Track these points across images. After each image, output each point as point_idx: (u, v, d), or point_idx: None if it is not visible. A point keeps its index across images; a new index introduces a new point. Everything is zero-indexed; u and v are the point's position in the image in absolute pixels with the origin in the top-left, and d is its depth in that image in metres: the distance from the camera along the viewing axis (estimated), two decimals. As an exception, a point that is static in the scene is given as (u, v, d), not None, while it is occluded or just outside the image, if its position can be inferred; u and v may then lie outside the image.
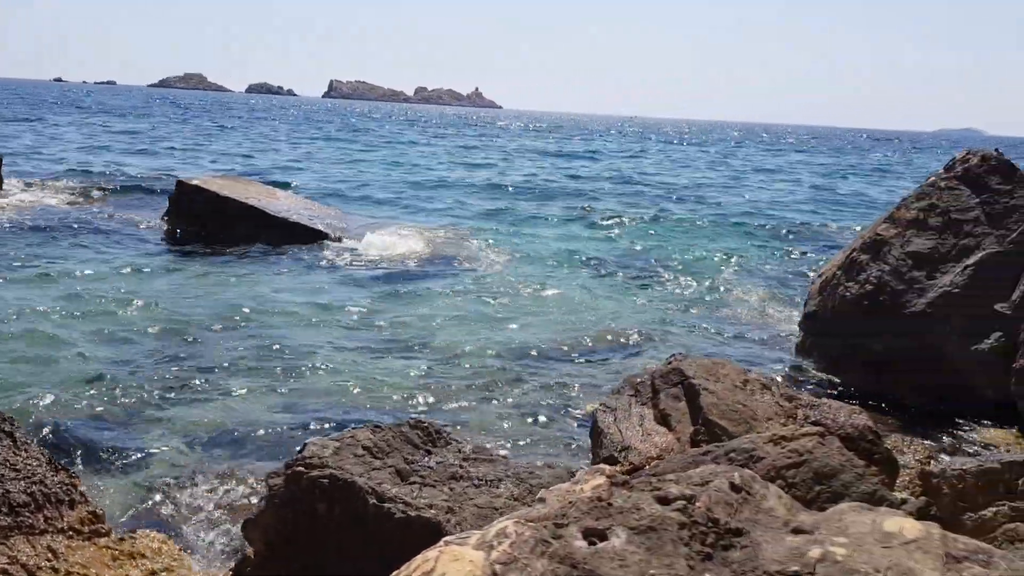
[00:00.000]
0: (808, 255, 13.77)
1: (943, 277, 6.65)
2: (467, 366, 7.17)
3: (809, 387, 6.97)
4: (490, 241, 13.49)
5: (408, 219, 15.60)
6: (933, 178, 7.46)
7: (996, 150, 7.64)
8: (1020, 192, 7.05)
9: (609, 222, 16.58)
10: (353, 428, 3.84)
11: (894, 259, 6.96)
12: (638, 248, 13.77)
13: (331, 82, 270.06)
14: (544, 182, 24.62)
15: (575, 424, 6.02)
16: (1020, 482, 3.77)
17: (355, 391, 6.40)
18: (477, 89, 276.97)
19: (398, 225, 14.18)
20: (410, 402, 6.27)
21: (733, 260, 12.88)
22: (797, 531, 2.09)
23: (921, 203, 7.21)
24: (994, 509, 3.72)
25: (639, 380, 4.94)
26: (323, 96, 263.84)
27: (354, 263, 11.27)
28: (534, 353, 7.59)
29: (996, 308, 6.33)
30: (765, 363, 7.56)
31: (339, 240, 12.46)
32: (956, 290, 6.47)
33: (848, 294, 7.08)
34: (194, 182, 13.30)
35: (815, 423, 4.19)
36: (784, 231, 16.47)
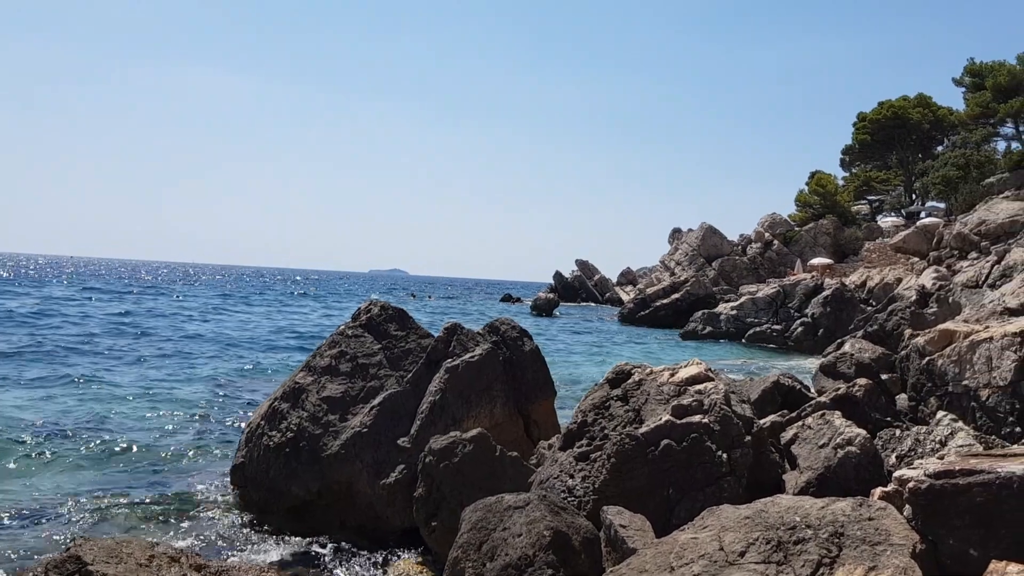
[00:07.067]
0: (248, 396, 13.83)
1: (354, 419, 7.25)
2: None
3: (240, 540, 6.87)
4: None
5: None
6: (342, 326, 8.19)
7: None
8: (413, 337, 8.13)
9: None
10: None
11: (312, 405, 7.39)
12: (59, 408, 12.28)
13: None
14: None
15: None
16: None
17: None
18: None
19: None
20: None
21: (177, 412, 12.31)
22: None
23: (333, 350, 7.85)
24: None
25: (30, 574, 4.35)
26: None
27: None
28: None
29: (399, 443, 7.09)
30: (200, 520, 7.26)
31: None
32: (364, 430, 7.10)
33: (271, 443, 7.27)
34: None
35: (223, 590, 4.14)
36: (236, 372, 16.36)
